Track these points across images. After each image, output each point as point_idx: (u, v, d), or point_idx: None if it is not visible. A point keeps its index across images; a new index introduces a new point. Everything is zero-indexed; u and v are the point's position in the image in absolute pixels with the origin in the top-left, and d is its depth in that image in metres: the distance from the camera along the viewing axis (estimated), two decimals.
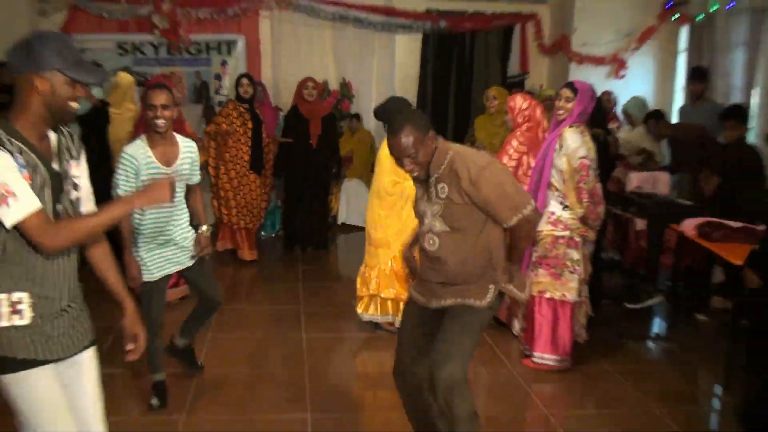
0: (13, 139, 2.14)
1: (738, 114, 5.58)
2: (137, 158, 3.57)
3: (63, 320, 2.33)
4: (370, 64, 9.23)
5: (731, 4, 7.13)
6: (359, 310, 5.26)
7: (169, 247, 3.78)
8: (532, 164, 4.85)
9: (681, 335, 5.45)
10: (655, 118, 6.60)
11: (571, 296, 4.51)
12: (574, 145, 4.32)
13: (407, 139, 2.80)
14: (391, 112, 4.70)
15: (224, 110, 6.96)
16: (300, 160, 7.31)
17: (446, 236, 2.93)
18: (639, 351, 5.15)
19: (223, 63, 9.05)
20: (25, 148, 2.16)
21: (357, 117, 8.92)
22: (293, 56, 9.01)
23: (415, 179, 3.03)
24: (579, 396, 4.47)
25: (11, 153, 2.11)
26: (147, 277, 3.73)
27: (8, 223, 2.11)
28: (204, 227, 3.92)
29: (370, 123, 9.22)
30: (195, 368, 4.40)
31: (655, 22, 8.63)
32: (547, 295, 4.54)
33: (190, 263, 3.89)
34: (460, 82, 9.38)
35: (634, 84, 8.46)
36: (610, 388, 4.48)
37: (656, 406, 4.17)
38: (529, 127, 5.09)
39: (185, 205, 3.88)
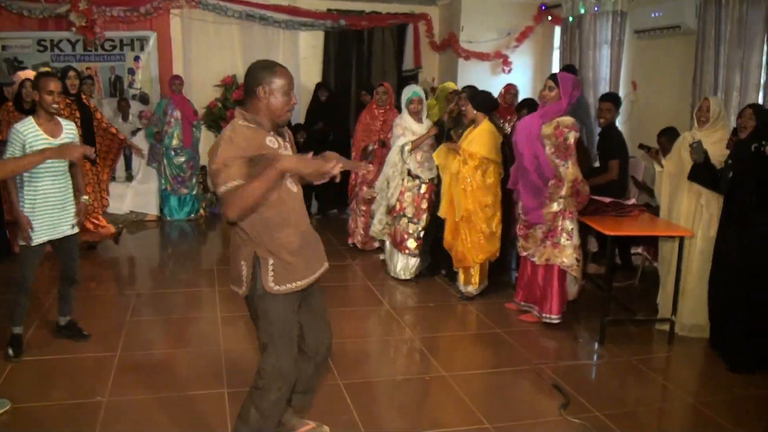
0: None
1: (612, 99, 5.66)
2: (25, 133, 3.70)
3: None
4: (276, 59, 8.66)
5: (596, 8, 7.29)
6: None
7: (56, 212, 3.86)
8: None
9: None
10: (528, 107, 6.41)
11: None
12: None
13: None
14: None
15: None
16: None
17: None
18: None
19: (136, 58, 8.59)
20: None
21: None
22: (203, 51, 8.69)
23: None
24: (473, 357, 4.44)
25: None
26: (33, 239, 3.78)
27: None
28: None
29: None
30: (82, 338, 4.29)
31: (532, 23, 8.77)
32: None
33: (70, 232, 3.99)
34: (359, 75, 9.31)
35: (515, 78, 8.54)
36: (501, 349, 4.47)
37: (540, 362, 4.19)
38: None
39: (69, 176, 3.99)
